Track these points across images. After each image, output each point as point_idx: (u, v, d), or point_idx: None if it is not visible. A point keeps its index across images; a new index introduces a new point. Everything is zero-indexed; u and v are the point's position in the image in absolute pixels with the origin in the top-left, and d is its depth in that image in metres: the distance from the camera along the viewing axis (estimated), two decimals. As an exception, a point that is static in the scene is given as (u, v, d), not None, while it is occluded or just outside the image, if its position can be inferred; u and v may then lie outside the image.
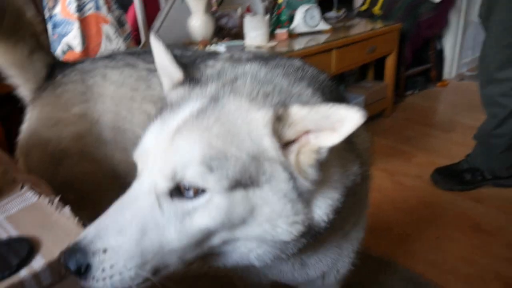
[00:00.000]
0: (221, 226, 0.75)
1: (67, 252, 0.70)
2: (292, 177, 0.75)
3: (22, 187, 0.86)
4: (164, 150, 0.75)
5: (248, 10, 3.25)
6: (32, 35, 1.34)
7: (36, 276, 0.63)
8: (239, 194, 0.73)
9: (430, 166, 2.90)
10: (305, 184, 0.76)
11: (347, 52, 3.18)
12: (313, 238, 0.83)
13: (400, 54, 3.92)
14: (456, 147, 3.22)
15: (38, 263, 0.65)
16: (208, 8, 2.85)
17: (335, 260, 1.08)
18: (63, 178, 1.31)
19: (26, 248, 0.67)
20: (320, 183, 0.78)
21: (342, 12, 4.00)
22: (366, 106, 3.61)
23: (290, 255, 0.85)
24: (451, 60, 4.82)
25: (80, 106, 1.33)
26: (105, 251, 0.71)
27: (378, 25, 3.65)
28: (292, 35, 3.16)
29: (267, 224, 0.76)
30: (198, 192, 0.73)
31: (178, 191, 0.74)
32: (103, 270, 0.71)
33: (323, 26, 3.30)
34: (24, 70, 1.36)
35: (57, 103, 1.35)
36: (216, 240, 0.77)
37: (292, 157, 0.75)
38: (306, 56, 2.77)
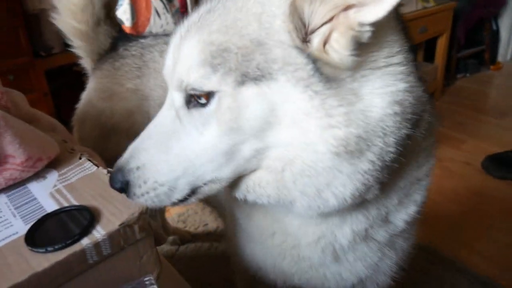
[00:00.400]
0: (241, 131, 0.68)
1: (111, 175, 0.76)
2: (312, 62, 0.65)
3: (80, 157, 0.87)
4: (173, 60, 0.74)
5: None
6: (105, 6, 1.36)
7: (97, 245, 0.63)
8: (250, 89, 0.66)
9: (481, 153, 2.79)
10: (335, 67, 0.64)
11: (398, 31, 3.06)
12: (375, 173, 0.69)
13: (452, 35, 3.74)
14: (509, 134, 3.09)
15: (98, 232, 0.65)
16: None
17: (375, 268, 0.94)
18: (110, 155, 1.33)
19: (87, 217, 0.67)
20: (373, 68, 0.67)
21: (393, -10, 3.85)
22: (415, 88, 3.48)
23: (337, 205, 0.71)
24: (507, 42, 4.58)
25: (134, 81, 1.34)
26: (138, 168, 0.75)
27: (431, 3, 3.49)
28: (341, 13, 3.07)
29: (294, 127, 0.67)
30: (209, 96, 0.68)
31: (195, 101, 0.71)
32: (140, 186, 0.74)
33: (373, 4, 3.18)
34: (88, 42, 1.38)
35: (114, 76, 1.37)
36: (246, 150, 0.71)
37: (318, 40, 0.64)
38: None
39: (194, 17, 0.74)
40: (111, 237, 0.65)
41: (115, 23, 1.46)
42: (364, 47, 0.65)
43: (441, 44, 3.68)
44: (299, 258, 0.92)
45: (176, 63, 0.73)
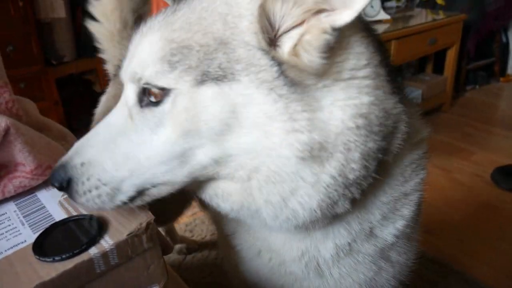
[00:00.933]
0: (198, 134, 0.65)
1: (52, 172, 0.72)
2: (277, 64, 0.63)
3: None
4: (130, 57, 0.72)
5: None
6: (133, 11, 1.35)
7: (105, 255, 0.63)
8: (209, 89, 0.64)
9: (490, 165, 2.77)
10: (302, 70, 0.63)
11: (407, 43, 3.06)
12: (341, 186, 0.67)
13: (462, 47, 3.73)
14: (519, 146, 3.06)
15: (106, 242, 0.65)
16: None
17: (373, 282, 0.89)
18: None
19: (96, 226, 0.67)
20: (336, 79, 0.66)
21: (402, 1, 3.86)
22: (424, 100, 3.48)
23: (307, 216, 0.70)
24: (517, 54, 4.54)
25: None
26: (82, 164, 0.71)
27: (440, 15, 3.49)
28: (350, 24, 3.08)
29: (257, 130, 0.64)
30: (163, 95, 0.66)
31: (148, 100, 0.68)
32: (83, 183, 0.70)
33: (383, 16, 3.20)
34: (113, 45, 1.37)
35: None
36: (202, 156, 0.68)
37: (289, 42, 0.64)
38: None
39: (158, 17, 0.72)
40: (119, 246, 0.65)
41: None
42: (331, 54, 0.64)
43: (451, 56, 3.66)
44: (285, 273, 0.90)
45: (132, 57, 0.71)
